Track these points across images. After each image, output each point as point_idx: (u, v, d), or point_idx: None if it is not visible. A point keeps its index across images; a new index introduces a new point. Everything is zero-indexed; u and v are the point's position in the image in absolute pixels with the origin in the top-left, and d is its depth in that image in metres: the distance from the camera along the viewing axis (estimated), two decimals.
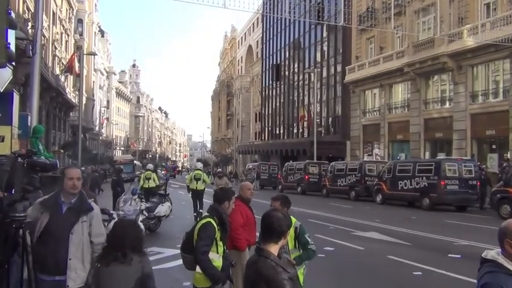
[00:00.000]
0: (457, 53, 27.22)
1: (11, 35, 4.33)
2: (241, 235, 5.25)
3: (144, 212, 11.20)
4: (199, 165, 19.14)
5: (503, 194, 17.03)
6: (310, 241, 4.59)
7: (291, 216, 4.25)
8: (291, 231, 4.35)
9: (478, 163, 23.07)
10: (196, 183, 16.02)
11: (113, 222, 7.45)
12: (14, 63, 5.72)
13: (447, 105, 29.69)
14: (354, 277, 8.27)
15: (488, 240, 11.46)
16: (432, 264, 8.87)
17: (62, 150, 36.30)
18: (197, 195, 15.91)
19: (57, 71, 41.56)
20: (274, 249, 2.70)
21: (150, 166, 20.22)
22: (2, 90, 5.86)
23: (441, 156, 27.10)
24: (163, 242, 11.31)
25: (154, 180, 17.90)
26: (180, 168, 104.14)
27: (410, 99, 32.65)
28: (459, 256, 9.92)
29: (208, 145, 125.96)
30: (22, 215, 3.41)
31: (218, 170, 19.33)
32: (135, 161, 58.76)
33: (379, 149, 36.46)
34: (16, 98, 6.25)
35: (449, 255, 10.02)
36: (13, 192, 3.40)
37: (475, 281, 7.80)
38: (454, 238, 12.15)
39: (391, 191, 23.13)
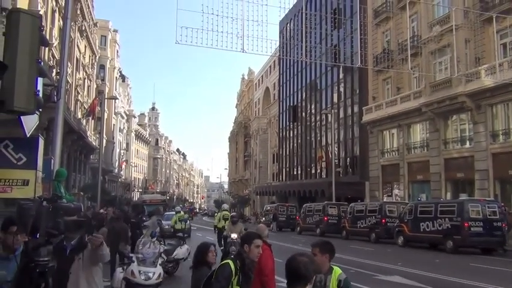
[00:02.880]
0: (475, 93, 27.14)
1: (40, 82, 4.52)
2: (273, 280, 5.07)
3: (163, 255, 11.11)
4: (226, 206, 21.73)
5: None
6: None
7: (335, 267, 4.13)
8: (334, 283, 4.05)
9: (502, 204, 22.51)
10: (224, 222, 17.64)
11: (132, 265, 7.43)
12: (40, 110, 5.93)
13: (467, 144, 29.33)
14: None
15: None
16: None
17: (81, 193, 36.65)
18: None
19: (79, 115, 42.61)
20: None
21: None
22: (28, 136, 6.04)
23: (463, 197, 26.52)
24: (182, 285, 11.17)
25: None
26: (197, 210, 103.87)
27: (429, 139, 32.38)
28: None
29: (226, 186, 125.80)
30: (46, 259, 3.44)
31: (232, 214, 18.79)
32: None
33: (398, 190, 35.91)
34: (41, 142, 6.41)
35: None
36: (38, 236, 3.44)
37: None
38: (480, 283, 11.71)
39: (413, 233, 22.60)
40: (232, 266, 4.22)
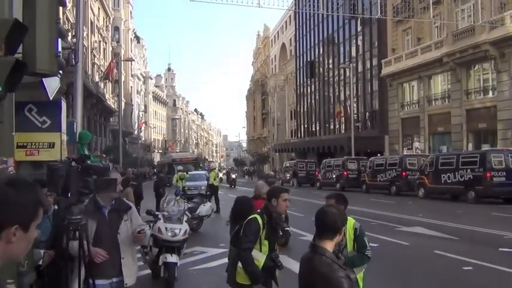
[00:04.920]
0: (499, 40, 26.21)
1: (60, 44, 4.53)
2: None
3: (187, 213, 11.37)
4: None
5: None
6: (368, 246, 4.30)
7: (350, 217, 4.18)
8: (351, 232, 4.21)
9: None
10: (214, 180, 19.64)
11: (158, 222, 7.61)
12: (61, 72, 5.96)
13: (490, 94, 28.66)
14: (402, 273, 8.11)
15: None
16: (483, 259, 8.58)
17: (104, 155, 37.35)
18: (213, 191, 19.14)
19: (97, 79, 42.79)
20: (329, 246, 2.67)
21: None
22: (51, 99, 6.10)
23: (486, 147, 26.19)
24: (206, 242, 11.47)
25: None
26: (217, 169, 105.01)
27: (450, 90, 31.71)
28: (511, 250, 9.55)
29: (244, 144, 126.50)
30: (78, 217, 3.54)
31: (268, 173, 16.89)
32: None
33: (419, 142, 35.60)
34: (64, 105, 6.48)
35: (500, 249, 9.67)
36: (69, 196, 3.53)
37: None
38: (504, 231, 11.71)
39: (434, 185, 22.55)
40: (260, 221, 4.26)
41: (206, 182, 22.28)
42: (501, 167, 19.73)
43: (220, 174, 48.74)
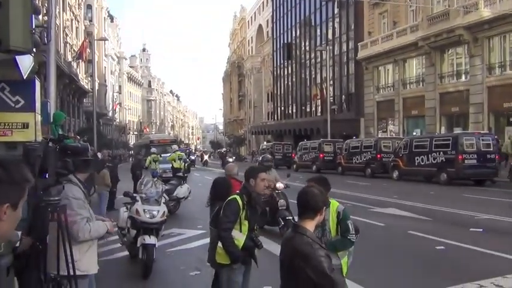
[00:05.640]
0: (473, 25, 26.66)
1: (34, 21, 4.36)
2: None
3: (165, 195, 11.32)
4: (176, 147, 22.61)
5: None
6: (352, 230, 4.08)
7: (333, 200, 4.13)
8: (334, 216, 4.07)
9: (496, 137, 22.78)
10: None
11: (136, 204, 7.56)
12: (34, 50, 5.76)
13: (463, 78, 29.23)
14: (377, 253, 8.29)
15: (510, 214, 11.42)
16: (455, 239, 8.85)
17: (78, 137, 36.65)
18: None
19: (69, 58, 41.73)
20: (310, 225, 2.70)
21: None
22: (25, 78, 5.91)
23: (458, 130, 26.79)
24: (184, 223, 11.48)
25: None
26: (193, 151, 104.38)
27: (425, 74, 32.19)
28: (481, 230, 9.87)
29: (221, 127, 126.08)
30: (56, 198, 3.47)
31: (265, 156, 12.09)
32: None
33: (393, 125, 36.17)
34: (38, 85, 6.30)
35: (471, 229, 9.98)
36: (47, 176, 3.45)
37: (501, 254, 7.78)
38: (474, 212, 12.07)
39: (408, 167, 23.00)
40: (240, 201, 4.28)
41: (185, 164, 22.07)
42: (472, 150, 20.23)
43: (193, 157, 48.77)
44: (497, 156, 20.31)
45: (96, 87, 45.05)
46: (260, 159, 14.43)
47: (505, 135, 25.38)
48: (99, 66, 61.09)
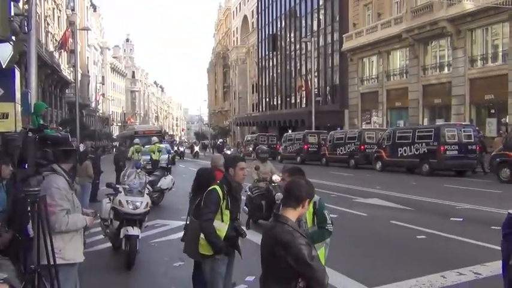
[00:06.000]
0: (456, 17, 26.91)
1: (12, 8, 4.26)
2: None
3: (148, 186, 11.26)
4: (155, 139, 21.76)
5: (503, 157, 17.13)
6: (329, 220, 4.00)
7: None
8: (310, 206, 3.80)
9: (477, 128, 23.14)
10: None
11: (119, 195, 7.50)
12: (14, 39, 5.64)
13: (446, 70, 29.56)
14: (360, 242, 8.39)
15: (489, 203, 11.65)
16: (435, 228, 9.01)
17: (60, 128, 36.14)
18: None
19: (51, 48, 41.01)
20: (292, 215, 2.71)
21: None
22: (4, 67, 5.78)
23: (440, 122, 27.14)
24: (167, 215, 11.45)
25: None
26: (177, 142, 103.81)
27: (408, 66, 32.45)
28: (461, 219, 10.06)
29: (206, 118, 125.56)
30: (36, 189, 3.43)
31: (261, 148, 10.94)
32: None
33: (377, 117, 36.45)
34: (17, 74, 6.18)
35: (451, 218, 10.16)
36: (26, 167, 3.40)
37: (479, 243, 7.92)
38: (455, 202, 12.28)
39: (391, 158, 23.24)
40: (220, 191, 4.27)
41: (167, 155, 21.99)
42: (454, 141, 20.52)
43: (182, 148, 48.45)
44: (478, 147, 20.63)
45: (79, 78, 44.43)
46: (256, 150, 12.39)
47: (485, 127, 25.83)
48: (82, 56, 60.20)
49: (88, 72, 66.70)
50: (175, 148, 47.41)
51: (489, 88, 25.86)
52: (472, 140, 20.68)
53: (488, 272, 6.08)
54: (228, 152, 36.77)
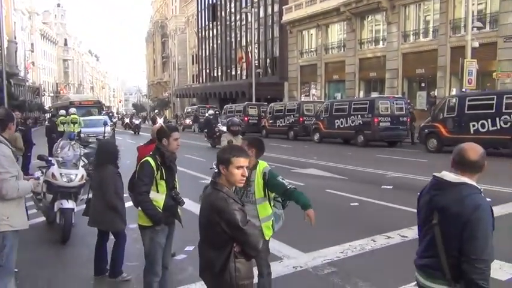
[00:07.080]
0: None
1: None
2: None
3: (83, 158, 10.91)
4: (72, 110, 20.50)
5: (431, 129, 18.17)
6: (286, 183, 4.02)
7: (262, 161, 4.09)
8: (259, 177, 4.00)
9: (408, 100, 24.26)
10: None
11: (52, 168, 7.22)
12: None
13: (381, 45, 30.53)
14: (296, 210, 8.66)
15: (416, 172, 12.38)
16: (367, 195, 9.49)
17: None
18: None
19: None
20: (223, 180, 2.78)
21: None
22: None
23: (374, 95, 28.15)
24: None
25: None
26: (114, 114, 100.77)
27: (346, 40, 33.18)
28: (391, 187, 10.65)
29: (144, 89, 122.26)
30: None
31: (232, 120, 9.25)
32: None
33: (316, 90, 37.19)
34: None
35: (382, 186, 10.73)
36: None
37: (407, 208, 8.39)
38: (386, 171, 12.95)
39: (328, 130, 23.92)
40: (153, 163, 4.22)
41: (103, 128, 21.16)
42: (387, 113, 21.43)
43: (114, 120, 46.94)
44: (408, 119, 21.68)
45: (5, 45, 41.50)
46: (226, 122, 11.55)
47: (416, 100, 27.14)
48: (8, 21, 56.09)
49: (15, 38, 62.47)
50: (127, 120, 46.18)
51: (420, 62, 27.08)
52: (404, 112, 21.68)
53: (414, 234, 6.50)
54: (160, 120, 36.08)
